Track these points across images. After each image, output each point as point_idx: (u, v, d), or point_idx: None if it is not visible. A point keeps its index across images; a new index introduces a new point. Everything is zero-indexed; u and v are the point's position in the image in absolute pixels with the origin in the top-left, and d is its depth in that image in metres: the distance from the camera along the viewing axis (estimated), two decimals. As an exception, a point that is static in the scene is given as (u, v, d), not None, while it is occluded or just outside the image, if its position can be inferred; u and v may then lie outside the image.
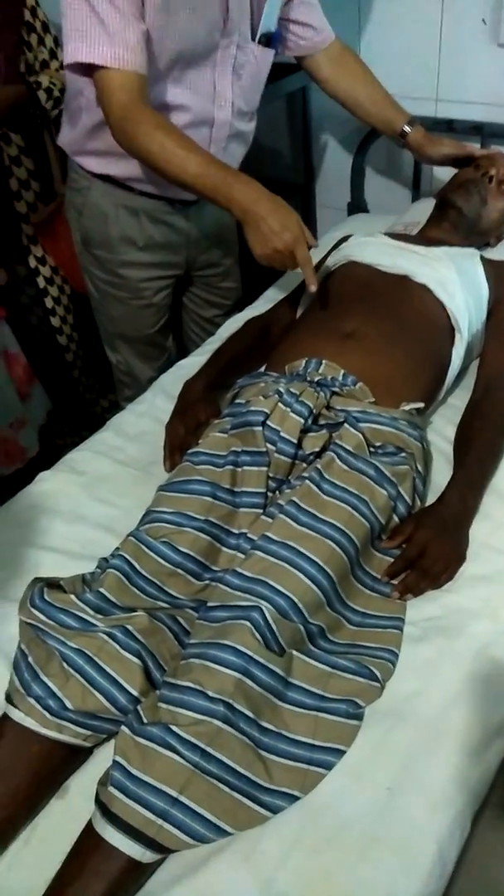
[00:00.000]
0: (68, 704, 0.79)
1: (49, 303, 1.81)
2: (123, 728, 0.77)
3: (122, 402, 1.65)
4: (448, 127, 1.72)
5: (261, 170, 1.92)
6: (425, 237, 1.41)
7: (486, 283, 1.30)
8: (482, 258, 1.35)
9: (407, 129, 1.51)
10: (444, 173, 1.58)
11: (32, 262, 1.75)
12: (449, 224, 1.39)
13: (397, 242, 1.34)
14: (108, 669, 0.81)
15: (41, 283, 1.78)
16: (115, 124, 1.13)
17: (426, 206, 1.58)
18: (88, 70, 1.12)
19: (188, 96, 1.23)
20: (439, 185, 1.53)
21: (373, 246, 1.34)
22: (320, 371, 1.11)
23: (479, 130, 1.70)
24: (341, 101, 1.53)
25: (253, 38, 1.27)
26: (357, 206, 1.95)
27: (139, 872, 0.71)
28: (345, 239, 1.46)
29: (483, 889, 0.94)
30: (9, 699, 0.82)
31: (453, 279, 1.24)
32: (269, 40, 1.31)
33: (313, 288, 1.15)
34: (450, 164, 1.52)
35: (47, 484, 1.17)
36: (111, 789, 0.72)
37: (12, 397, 1.73)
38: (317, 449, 1.02)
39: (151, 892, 0.72)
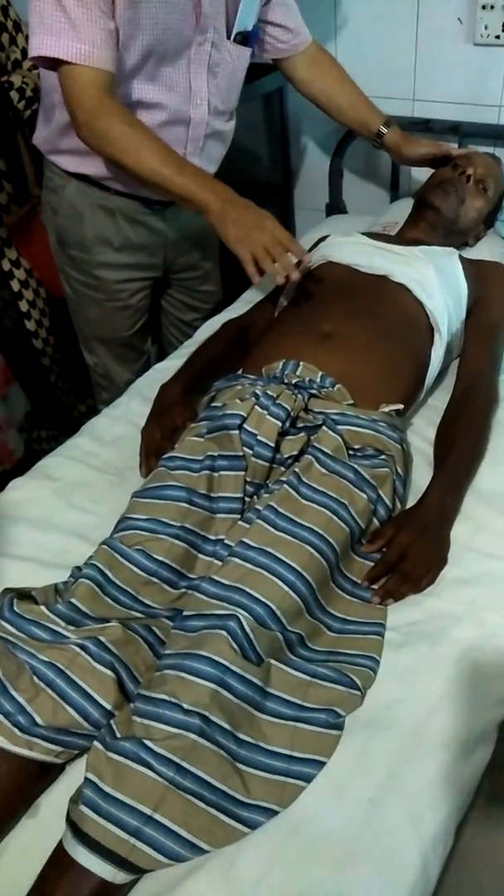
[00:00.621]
0: (39, 720, 0.76)
1: (24, 306, 1.78)
2: (96, 743, 0.74)
3: (99, 405, 1.63)
4: (425, 127, 1.72)
5: (238, 171, 1.90)
6: (403, 237, 1.40)
7: (465, 282, 1.29)
8: (461, 257, 1.34)
9: (383, 129, 1.50)
10: (422, 174, 1.57)
11: (6, 266, 1.72)
12: (427, 224, 1.38)
13: (375, 242, 1.33)
14: (80, 682, 0.79)
15: (15, 286, 1.74)
16: (84, 122, 1.11)
17: (404, 207, 1.57)
18: (55, 65, 1.10)
19: (163, 94, 1.22)
20: (417, 186, 1.52)
21: (350, 246, 1.33)
22: (298, 373, 1.09)
23: (456, 130, 1.69)
24: (317, 102, 1.52)
25: (228, 37, 1.26)
26: (335, 207, 1.94)
27: (112, 893, 0.68)
28: (322, 239, 1.44)
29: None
30: (-24, 716, 0.79)
31: (432, 278, 1.23)
32: (245, 39, 1.29)
33: (302, 265, 1.16)
34: (427, 165, 1.52)
35: (19, 491, 1.14)
36: (82, 808, 0.70)
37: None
38: (295, 452, 1.00)
39: (126, 914, 0.69)
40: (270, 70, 1.64)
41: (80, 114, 1.10)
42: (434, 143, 1.50)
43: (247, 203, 1.14)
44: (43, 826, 0.75)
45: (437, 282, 1.23)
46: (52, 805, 0.77)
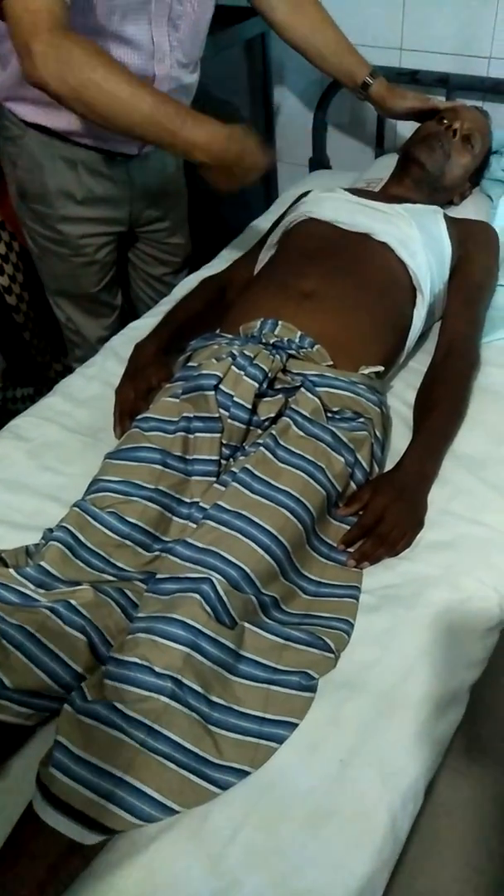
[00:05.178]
0: (8, 683, 0.75)
1: (-5, 260, 1.72)
2: (66, 706, 0.73)
3: (73, 363, 1.58)
4: (412, 78, 1.66)
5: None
6: (387, 194, 1.36)
7: (449, 241, 1.26)
8: (445, 216, 1.30)
9: (369, 80, 1.45)
10: (409, 129, 1.52)
11: (-24, 217, 1.65)
12: (411, 180, 1.35)
13: (358, 199, 1.30)
14: (50, 646, 0.77)
15: (-14, 239, 1.68)
16: (41, 53, 0.93)
17: (390, 162, 1.53)
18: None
19: (126, 53, 1.14)
20: (404, 141, 1.48)
21: (332, 202, 1.29)
22: (276, 332, 1.06)
23: (445, 82, 1.64)
24: (299, 49, 1.46)
25: None
26: (319, 162, 1.89)
27: (82, 855, 0.69)
28: (305, 195, 1.40)
29: (431, 855, 0.95)
30: None
31: (415, 237, 1.20)
32: None
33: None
34: (413, 119, 1.47)
35: (-10, 451, 1.12)
36: (52, 770, 0.69)
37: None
38: (272, 414, 0.99)
39: (97, 873, 0.69)
40: (252, 14, 1.57)
41: (35, 43, 0.92)
42: (420, 96, 1.45)
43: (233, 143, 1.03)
44: (13, 788, 0.75)
45: (420, 241, 1.20)
46: (23, 768, 0.77)
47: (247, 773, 0.74)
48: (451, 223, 1.30)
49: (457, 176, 1.36)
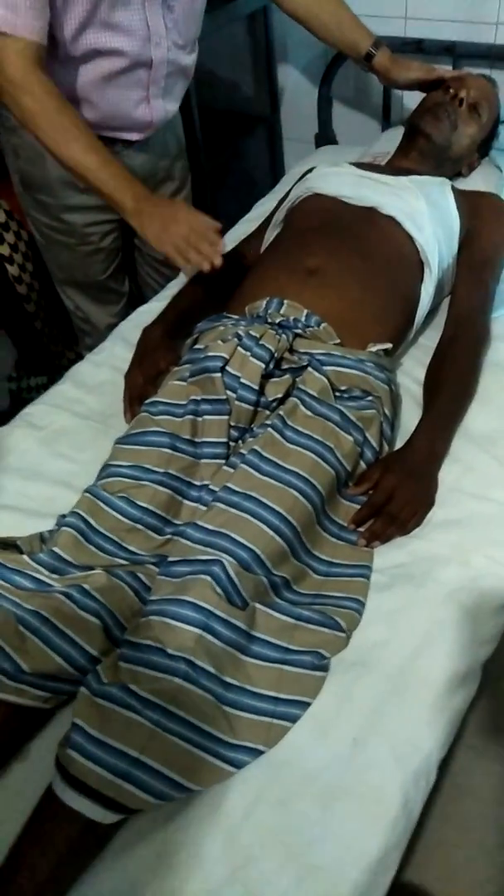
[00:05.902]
0: (25, 667, 0.76)
1: (5, 250, 1.72)
2: (82, 689, 0.75)
3: (83, 350, 1.59)
4: (417, 47, 1.63)
5: (220, 101, 1.81)
6: (394, 166, 1.34)
7: (457, 214, 1.24)
8: (453, 188, 1.28)
9: (372, 51, 1.42)
10: (416, 101, 1.49)
11: (-16, 207, 1.66)
12: (418, 152, 1.32)
13: (363, 172, 1.28)
14: (65, 630, 0.79)
15: (-6, 228, 1.69)
16: (8, 94, 1.07)
17: (397, 136, 1.50)
18: None
19: (121, 40, 1.14)
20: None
21: (337, 176, 1.27)
22: (282, 312, 1.06)
23: (451, 50, 1.60)
24: (301, 20, 1.43)
25: None
26: (325, 137, 1.86)
27: (100, 834, 0.70)
28: (310, 171, 1.38)
29: (448, 835, 0.96)
30: (-37, 665, 0.79)
31: (422, 210, 1.18)
32: None
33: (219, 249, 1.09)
34: (419, 89, 1.44)
35: (3, 440, 1.12)
36: (70, 751, 0.70)
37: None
38: (280, 395, 0.98)
39: (115, 851, 0.71)
40: (253, -13, 1.55)
41: (5, 84, 1.06)
42: (426, 66, 1.42)
43: (160, 199, 1.13)
44: (33, 770, 0.77)
45: (427, 214, 1.18)
46: (42, 750, 0.78)
47: (261, 752, 0.75)
48: (460, 195, 1.27)
49: (464, 146, 1.33)
